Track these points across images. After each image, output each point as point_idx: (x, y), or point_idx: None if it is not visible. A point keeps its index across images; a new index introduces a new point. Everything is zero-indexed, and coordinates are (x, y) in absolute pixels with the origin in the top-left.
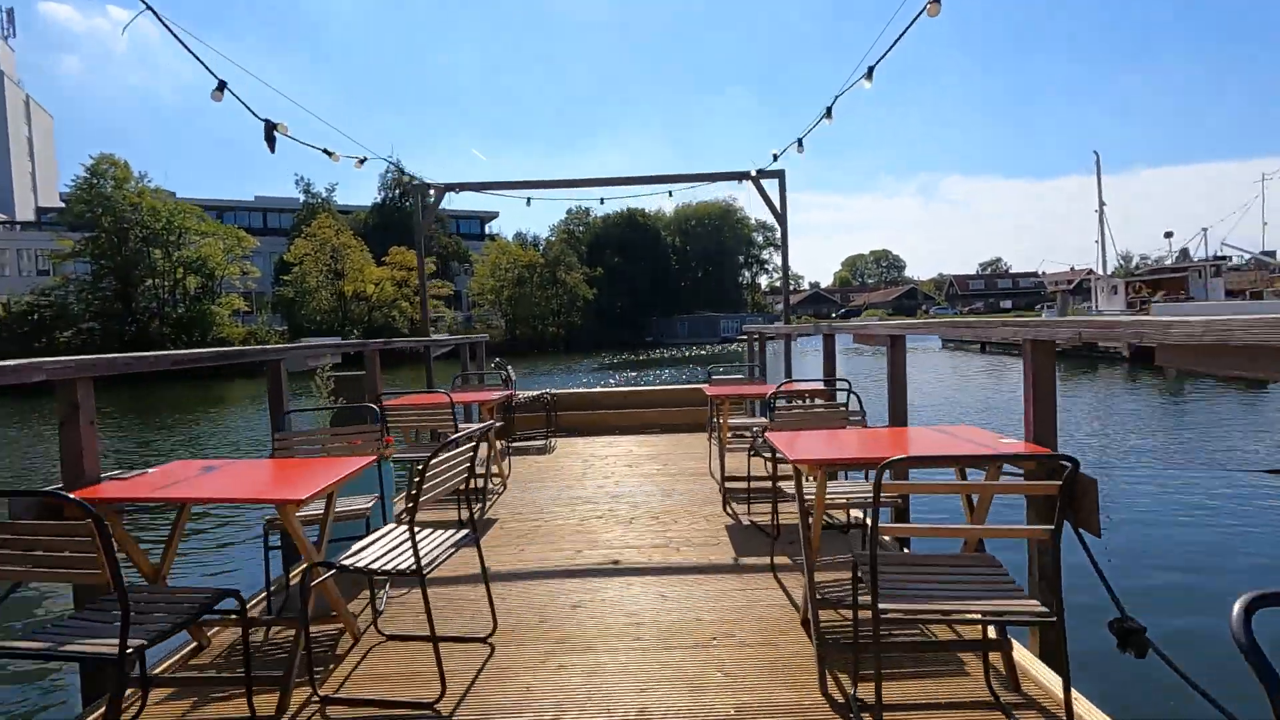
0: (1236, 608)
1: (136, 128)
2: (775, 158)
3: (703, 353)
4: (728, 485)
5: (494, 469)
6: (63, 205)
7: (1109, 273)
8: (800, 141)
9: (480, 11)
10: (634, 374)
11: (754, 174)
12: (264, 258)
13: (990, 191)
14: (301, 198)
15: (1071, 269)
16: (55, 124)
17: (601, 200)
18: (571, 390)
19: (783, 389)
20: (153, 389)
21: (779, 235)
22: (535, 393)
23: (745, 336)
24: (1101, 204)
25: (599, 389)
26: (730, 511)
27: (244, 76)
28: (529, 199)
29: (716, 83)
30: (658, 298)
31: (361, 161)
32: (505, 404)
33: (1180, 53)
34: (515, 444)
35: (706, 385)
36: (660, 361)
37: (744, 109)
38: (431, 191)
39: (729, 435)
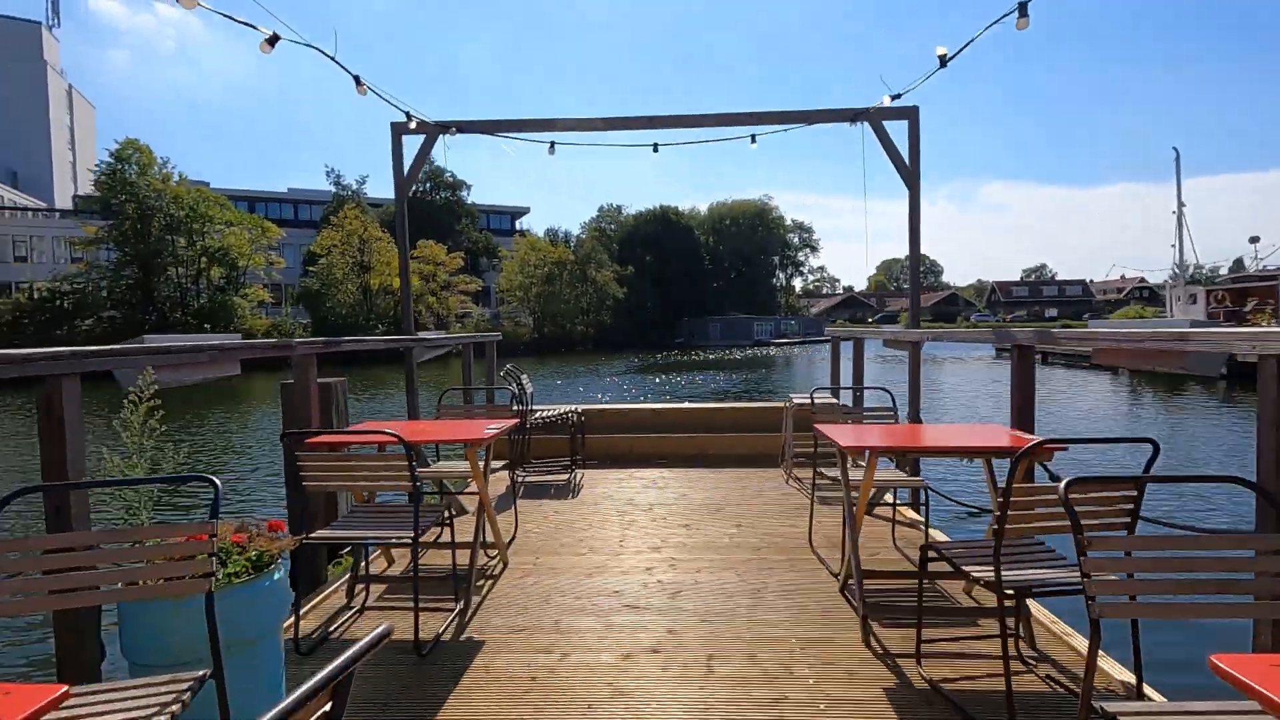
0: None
1: (178, 121)
2: (896, 97)
3: (736, 357)
4: (869, 591)
5: (489, 533)
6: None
7: (1184, 279)
8: (944, 60)
9: (509, 7)
10: (665, 378)
11: (872, 110)
12: (294, 249)
13: (1029, 198)
14: (332, 189)
15: (1122, 277)
16: (98, 115)
17: (655, 147)
18: (605, 406)
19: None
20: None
21: (907, 183)
22: (558, 409)
23: (784, 340)
24: (1181, 205)
25: (640, 405)
26: (879, 648)
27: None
28: (552, 143)
29: (738, 85)
30: (689, 298)
31: (359, 82)
32: (520, 427)
33: (1230, 57)
34: (529, 480)
35: (828, 427)
36: (692, 365)
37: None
38: (413, 123)
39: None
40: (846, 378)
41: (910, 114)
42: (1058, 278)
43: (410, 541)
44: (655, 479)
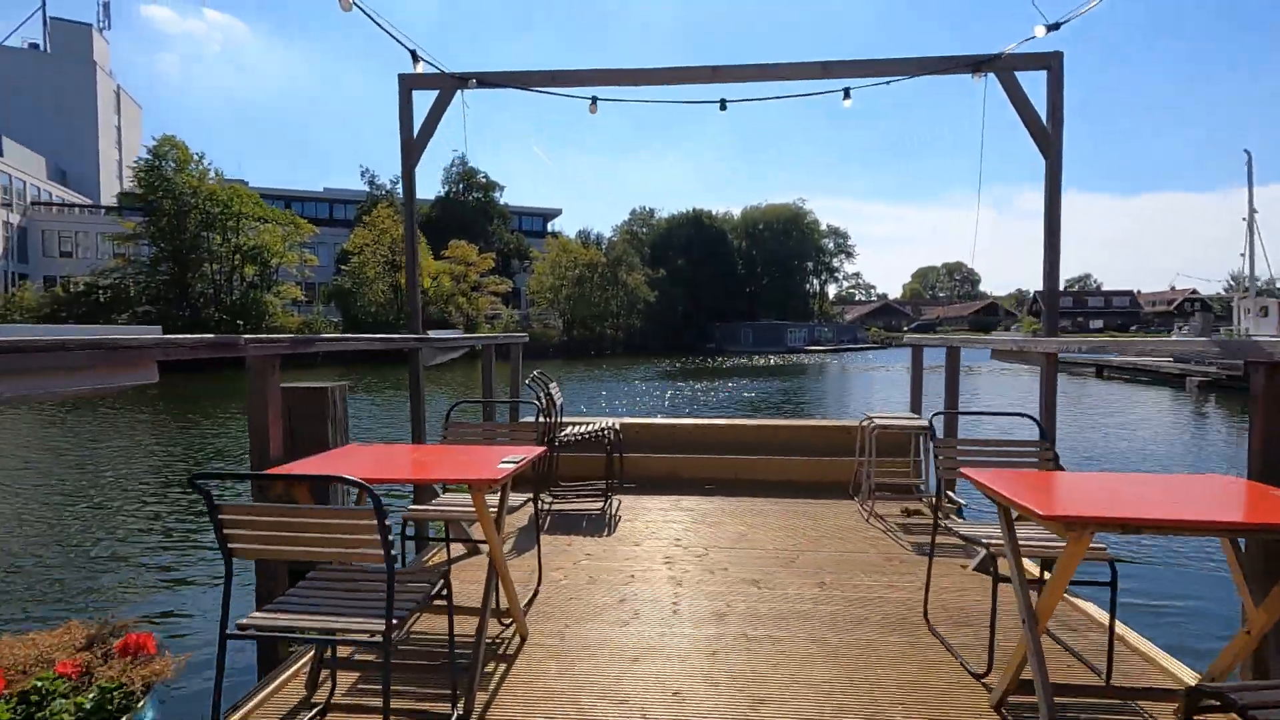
0: None
1: (222, 122)
2: (1053, 28)
3: (769, 363)
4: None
5: (502, 598)
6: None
7: (1254, 291)
8: None
9: (551, 5)
10: (697, 384)
11: (1004, 56)
12: (328, 249)
13: (1070, 206)
14: (366, 189)
15: (1171, 288)
16: (147, 116)
17: (723, 104)
18: (645, 421)
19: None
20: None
21: (1044, 152)
22: (592, 423)
23: (817, 348)
24: (1252, 211)
25: (684, 420)
26: None
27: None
28: (594, 99)
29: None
30: (721, 303)
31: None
32: (544, 442)
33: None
34: (556, 507)
35: (996, 479)
36: (725, 371)
37: (805, 121)
38: (419, 66)
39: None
40: (932, 394)
41: (1052, 61)
42: (1103, 288)
43: (378, 637)
44: (705, 511)
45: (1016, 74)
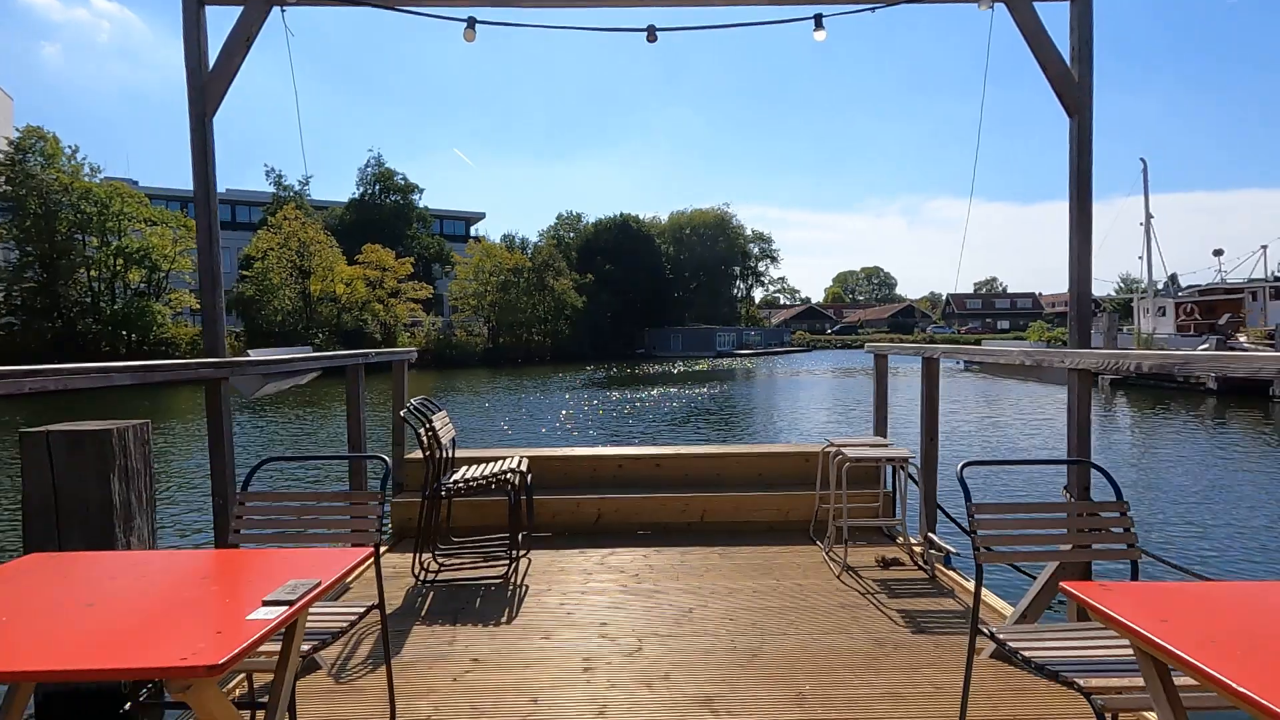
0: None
1: (115, 119)
2: None
3: (699, 368)
4: None
5: None
6: None
7: (1152, 293)
8: None
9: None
10: (626, 393)
11: None
12: (230, 254)
13: (976, 214)
14: (272, 190)
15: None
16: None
17: (651, 34)
18: (564, 453)
19: None
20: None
21: (1065, 102)
22: (493, 462)
23: (747, 351)
24: (1149, 216)
25: (615, 451)
26: None
27: None
28: (472, 20)
29: (703, 99)
30: (650, 308)
31: None
32: (433, 493)
33: (1175, 78)
34: (442, 579)
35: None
36: (654, 378)
37: (728, 130)
38: None
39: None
40: (903, 412)
41: None
42: (1008, 290)
43: None
44: (639, 571)
45: (1036, 5)
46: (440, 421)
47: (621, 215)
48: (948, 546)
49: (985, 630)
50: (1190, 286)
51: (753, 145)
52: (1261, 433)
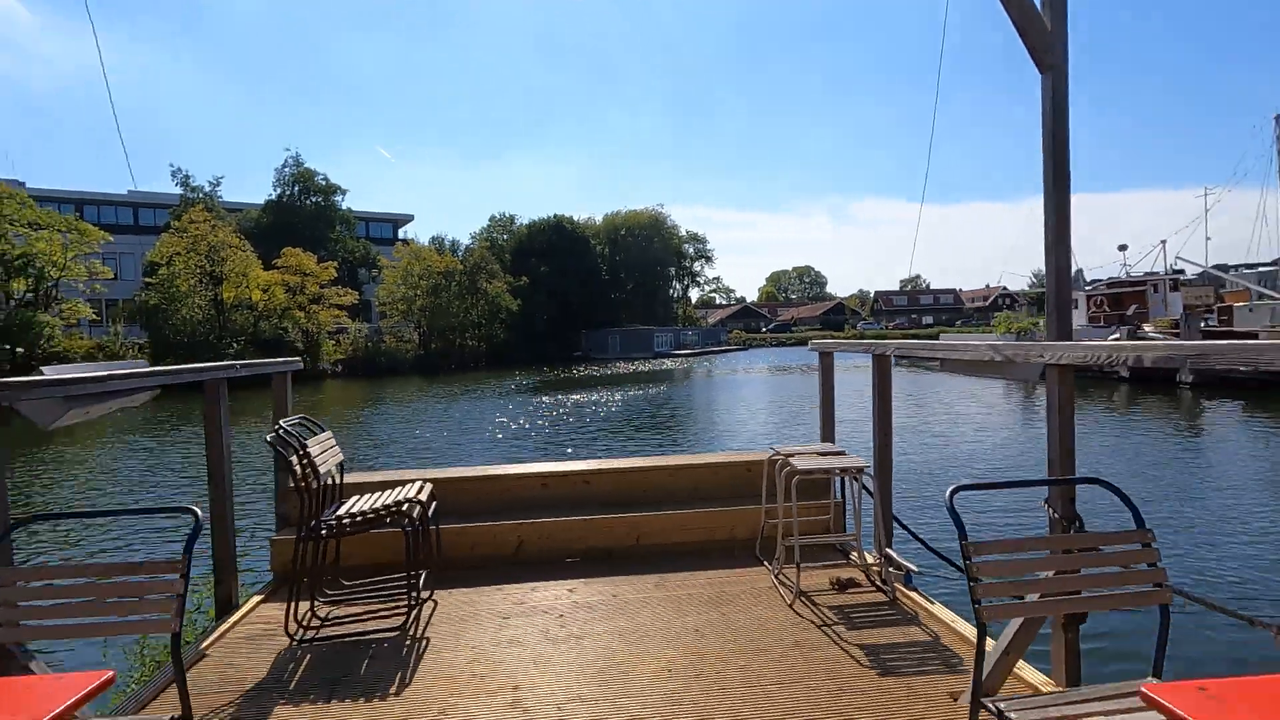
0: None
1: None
2: None
3: (638, 369)
4: None
5: None
6: None
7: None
8: None
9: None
10: (562, 397)
11: None
12: (133, 260)
13: (898, 213)
14: (180, 191)
15: (987, 286)
16: None
17: None
18: (478, 472)
19: None
20: None
21: (1041, 62)
22: (393, 490)
23: (685, 352)
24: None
25: (538, 468)
26: None
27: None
28: None
29: (633, 101)
30: (587, 310)
31: None
32: (309, 534)
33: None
34: (325, 635)
35: None
36: (592, 381)
37: (659, 129)
38: None
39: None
40: (845, 413)
41: None
42: (931, 287)
43: None
44: (564, 613)
45: None
46: (319, 446)
47: (556, 216)
48: (908, 565)
49: (991, 708)
50: (1096, 280)
51: (683, 147)
52: (1178, 418)
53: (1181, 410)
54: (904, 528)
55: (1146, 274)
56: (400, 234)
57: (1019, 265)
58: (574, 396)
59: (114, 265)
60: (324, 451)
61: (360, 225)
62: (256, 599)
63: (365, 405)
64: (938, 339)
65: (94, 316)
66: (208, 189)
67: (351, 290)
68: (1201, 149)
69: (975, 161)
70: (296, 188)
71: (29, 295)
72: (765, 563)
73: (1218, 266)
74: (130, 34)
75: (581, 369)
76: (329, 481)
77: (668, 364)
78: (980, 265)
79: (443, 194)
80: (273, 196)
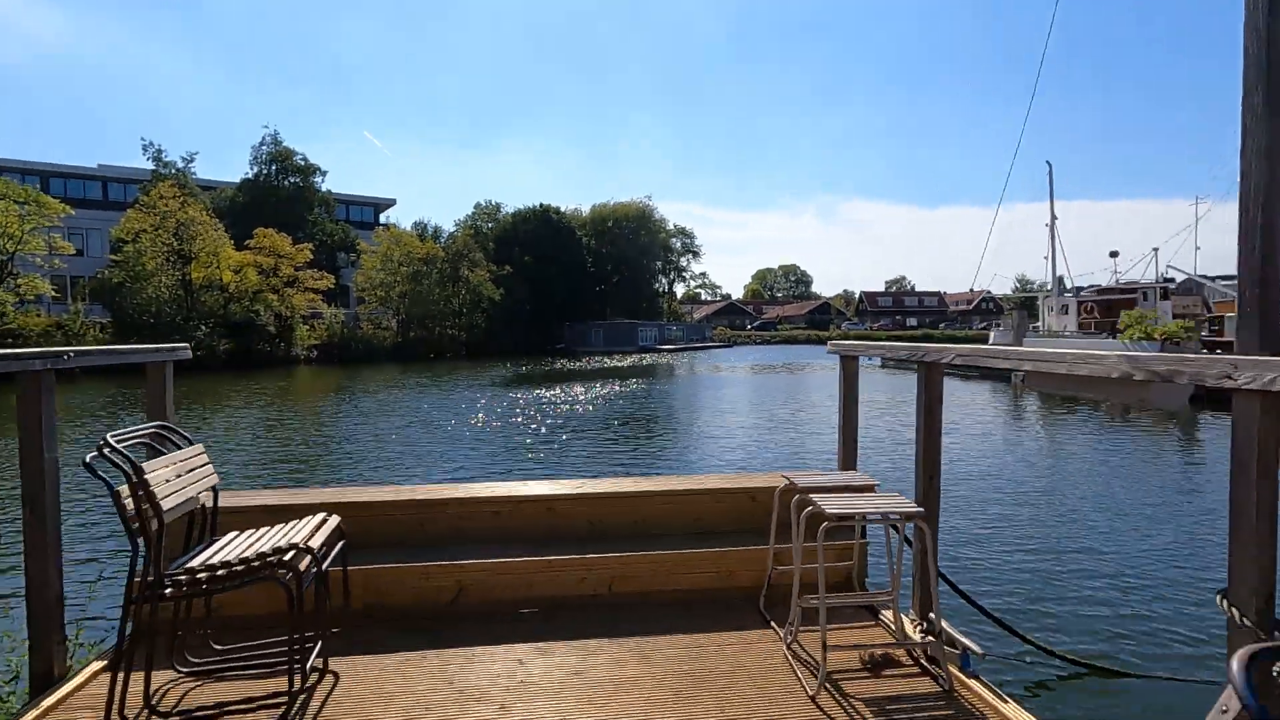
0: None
1: None
2: None
3: (621, 364)
4: None
5: None
6: None
7: (996, 292)
8: None
9: None
10: (540, 393)
11: None
12: (99, 235)
13: (885, 215)
14: (151, 166)
15: (971, 290)
16: None
17: None
18: (413, 494)
19: None
20: None
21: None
22: (283, 529)
23: (669, 347)
24: (1054, 218)
25: (488, 488)
26: None
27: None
28: None
29: (624, 96)
30: (571, 302)
31: None
32: (144, 595)
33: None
34: (185, 705)
35: None
36: (573, 374)
37: (650, 125)
38: None
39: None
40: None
41: None
42: (916, 289)
43: None
44: (511, 698)
45: None
46: (172, 468)
47: (542, 206)
48: (968, 643)
49: None
50: (1090, 286)
51: (675, 144)
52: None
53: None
54: (956, 590)
55: (1129, 283)
56: (382, 219)
57: (1003, 268)
58: (550, 392)
59: (80, 241)
60: (182, 475)
61: (340, 208)
62: (96, 666)
63: (331, 394)
64: (944, 341)
65: (54, 293)
66: (180, 165)
67: (329, 274)
68: (1205, 158)
69: (959, 165)
70: (274, 167)
71: None
72: (773, 624)
73: (1203, 276)
74: (110, 5)
75: (562, 362)
76: (198, 510)
77: (652, 359)
78: (965, 269)
79: (429, 181)
80: (249, 175)
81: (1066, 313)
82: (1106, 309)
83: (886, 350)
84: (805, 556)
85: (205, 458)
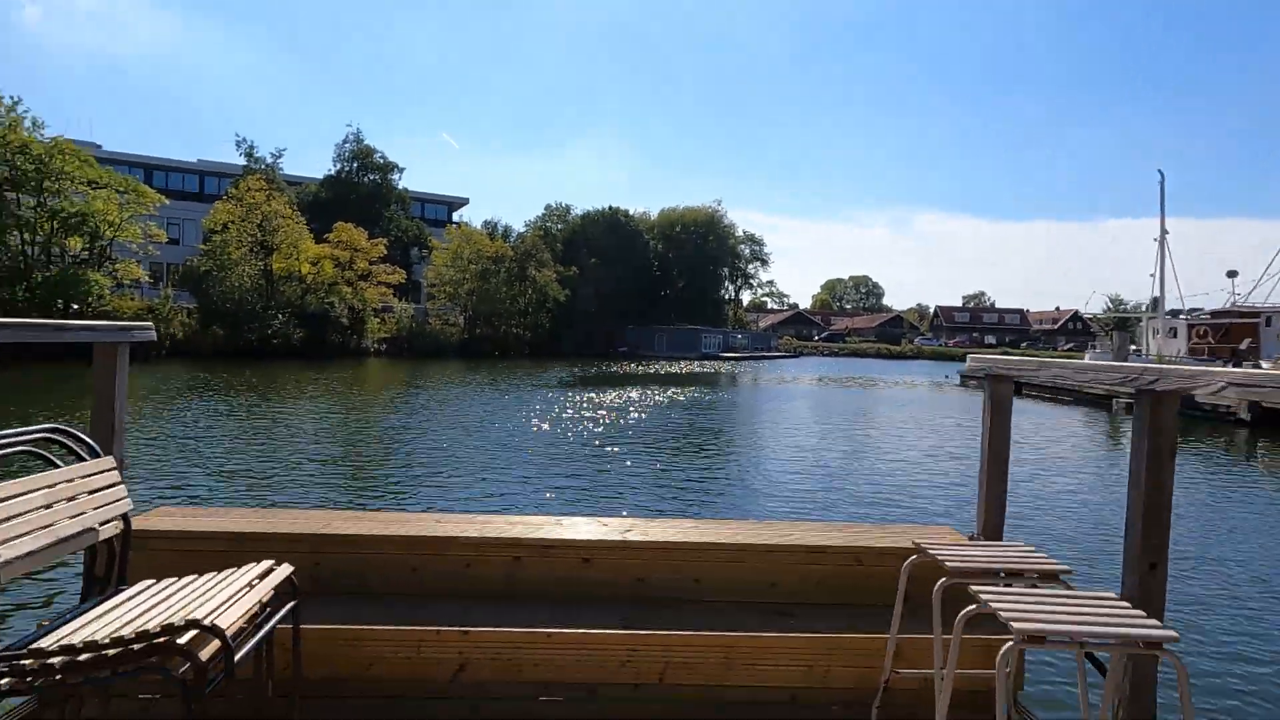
0: None
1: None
2: None
3: (682, 370)
4: None
5: None
6: None
7: (1164, 312)
8: None
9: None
10: (598, 396)
11: None
12: (195, 225)
13: (962, 229)
14: (243, 161)
15: (1057, 309)
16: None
17: None
18: (404, 528)
19: None
20: None
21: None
22: (221, 576)
23: (733, 355)
24: (1164, 232)
25: (506, 526)
26: None
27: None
28: None
29: (689, 100)
30: (635, 306)
31: None
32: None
33: (1145, 104)
34: None
35: None
36: (633, 378)
37: (714, 133)
38: None
39: None
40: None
41: None
42: (996, 305)
43: None
44: None
45: None
46: (43, 494)
47: (611, 208)
48: None
49: None
50: (1196, 310)
51: (740, 150)
52: None
53: None
54: None
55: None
56: (455, 216)
57: (1090, 287)
58: (608, 396)
59: (177, 230)
60: (66, 501)
61: (416, 205)
62: None
63: (399, 388)
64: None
65: (148, 278)
66: (270, 160)
67: (400, 269)
68: None
69: (1040, 178)
70: (355, 164)
71: (84, 253)
72: None
73: None
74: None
75: (624, 365)
76: (99, 544)
77: (715, 367)
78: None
79: (500, 180)
80: (331, 172)
81: (1175, 336)
82: (1223, 333)
83: (1073, 370)
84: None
85: (114, 475)
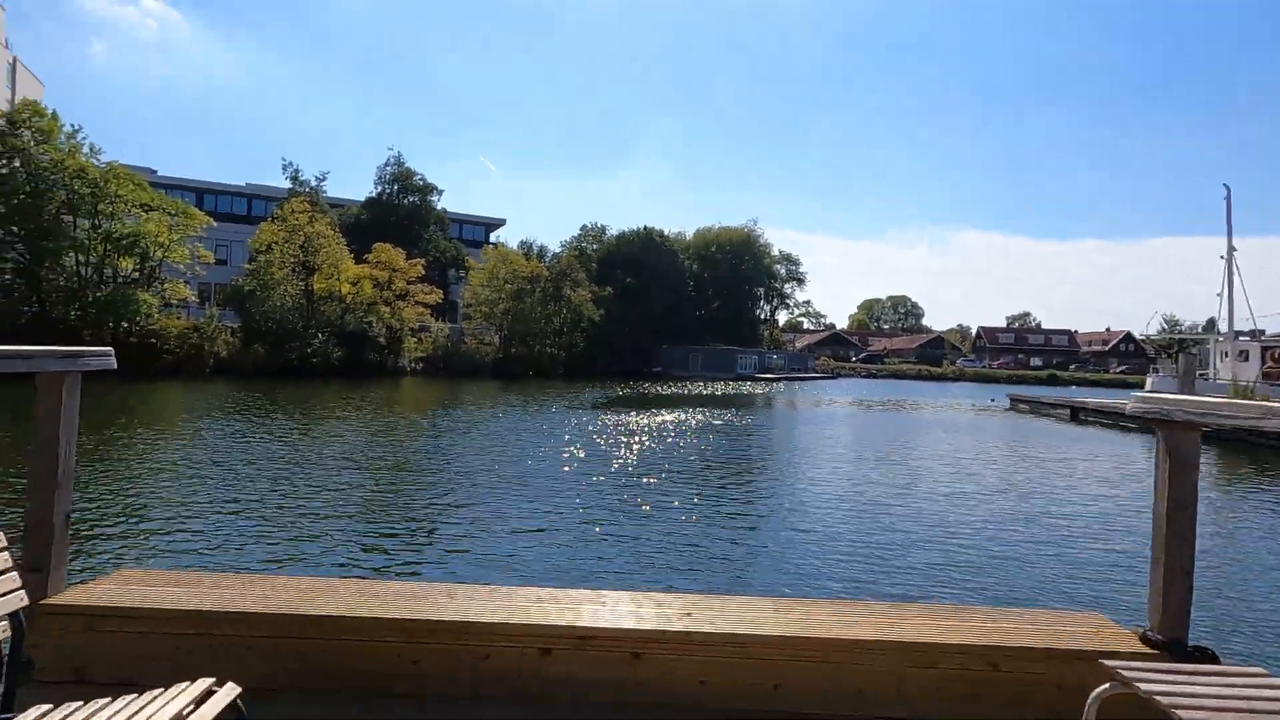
0: None
1: (151, 114)
2: None
3: (717, 391)
4: None
5: None
6: None
7: (1233, 334)
8: None
9: (496, 19)
10: (632, 418)
11: None
12: (242, 247)
13: (1001, 248)
14: (289, 185)
15: (1107, 329)
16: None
17: None
18: (409, 611)
19: None
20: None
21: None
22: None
23: (769, 375)
24: (1231, 249)
25: (534, 614)
26: None
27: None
28: None
29: (724, 116)
30: (670, 325)
31: None
32: None
33: (1190, 118)
34: None
35: None
36: (668, 401)
37: (751, 153)
38: None
39: None
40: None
41: None
42: (1042, 325)
43: None
44: None
45: None
46: None
47: (645, 228)
48: None
49: None
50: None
51: (776, 170)
52: None
53: None
54: None
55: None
56: (492, 238)
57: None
58: (642, 419)
59: (225, 252)
60: None
61: (454, 226)
62: None
63: (432, 407)
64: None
65: (195, 298)
66: (314, 183)
67: (438, 289)
68: None
69: (1092, 192)
70: (395, 186)
71: (135, 274)
72: None
73: None
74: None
75: (659, 386)
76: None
77: (751, 388)
78: (1098, 305)
79: (537, 203)
80: (373, 194)
81: (1246, 359)
82: None
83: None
84: None
85: (3, 556)
